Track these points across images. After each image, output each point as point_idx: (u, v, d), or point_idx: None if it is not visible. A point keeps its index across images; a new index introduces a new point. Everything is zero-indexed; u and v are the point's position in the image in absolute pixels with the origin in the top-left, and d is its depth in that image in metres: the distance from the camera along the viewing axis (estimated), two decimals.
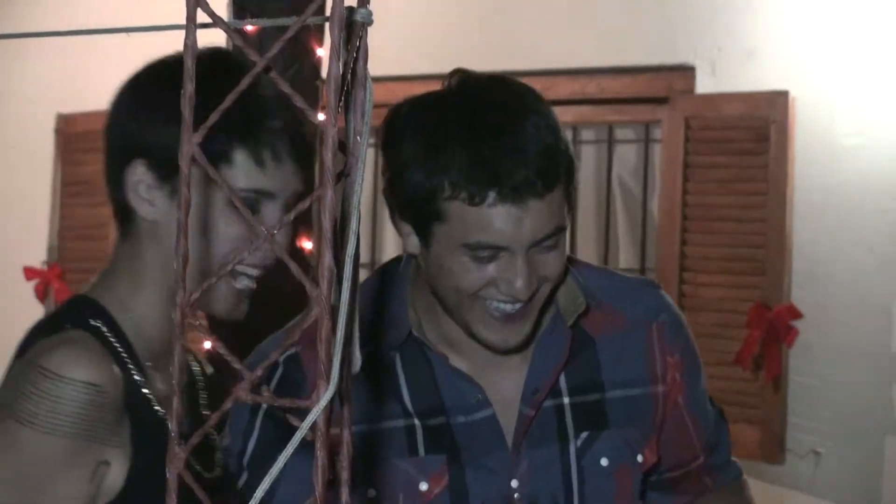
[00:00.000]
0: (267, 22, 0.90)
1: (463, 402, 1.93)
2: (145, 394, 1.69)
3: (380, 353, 1.93)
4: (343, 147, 0.81)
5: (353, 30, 0.82)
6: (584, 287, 1.98)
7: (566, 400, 1.95)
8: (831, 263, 4.90)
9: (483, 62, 5.48)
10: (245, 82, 0.77)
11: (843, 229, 4.89)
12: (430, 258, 1.86)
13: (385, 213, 6.44)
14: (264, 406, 1.94)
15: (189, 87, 0.74)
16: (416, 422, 1.93)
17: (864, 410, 4.73)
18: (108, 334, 1.69)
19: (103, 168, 1.80)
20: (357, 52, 0.82)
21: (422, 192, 1.81)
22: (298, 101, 0.75)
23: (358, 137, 0.82)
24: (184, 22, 0.75)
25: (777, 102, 4.95)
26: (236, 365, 0.78)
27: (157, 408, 1.70)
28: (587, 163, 5.63)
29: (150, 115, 1.74)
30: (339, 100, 0.74)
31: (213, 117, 0.76)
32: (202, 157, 0.75)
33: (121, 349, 1.69)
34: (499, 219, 1.78)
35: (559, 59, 5.37)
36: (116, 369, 1.65)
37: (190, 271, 1.60)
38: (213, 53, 1.77)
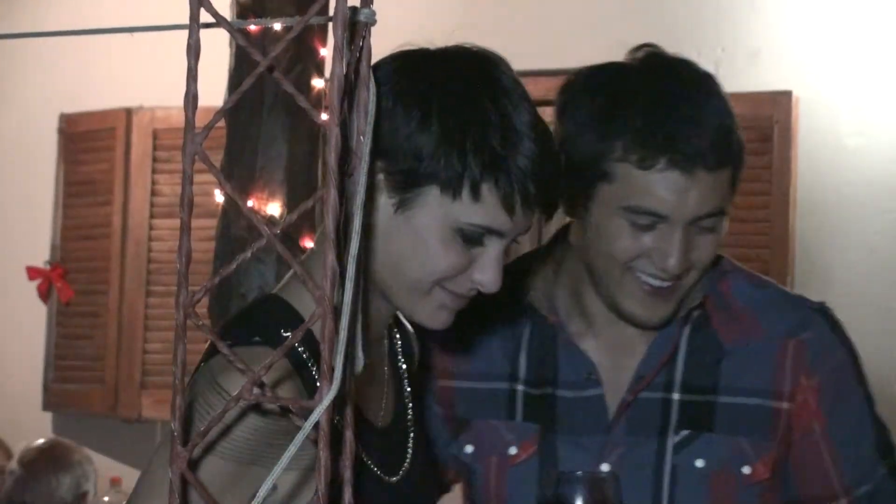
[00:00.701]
0: (270, 22, 0.90)
1: (575, 377, 1.95)
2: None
3: (510, 317, 1.98)
4: (347, 146, 0.81)
5: (356, 30, 0.82)
6: (718, 288, 1.96)
7: (676, 395, 1.93)
8: (834, 264, 4.90)
9: None
10: (248, 82, 0.77)
11: (847, 230, 4.88)
12: (588, 222, 1.87)
13: None
14: None
15: (193, 87, 0.74)
16: (520, 387, 1.97)
17: None
18: (301, 347, 1.56)
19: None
20: (360, 52, 0.82)
21: (593, 152, 1.82)
22: (302, 102, 0.75)
23: (361, 137, 0.82)
24: (187, 22, 0.75)
25: (780, 103, 4.94)
26: (239, 366, 0.78)
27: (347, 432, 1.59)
28: None
29: (405, 116, 1.58)
30: (343, 99, 0.74)
31: (216, 117, 0.76)
32: (205, 157, 0.75)
33: (312, 364, 1.56)
34: (665, 185, 1.79)
35: (562, 61, 5.36)
36: (299, 389, 1.51)
37: (398, 280, 1.56)
38: (476, 55, 1.68)
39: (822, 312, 2.01)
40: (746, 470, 1.92)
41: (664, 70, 1.88)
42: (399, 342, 1.86)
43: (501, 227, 1.60)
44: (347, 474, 0.79)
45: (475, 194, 1.56)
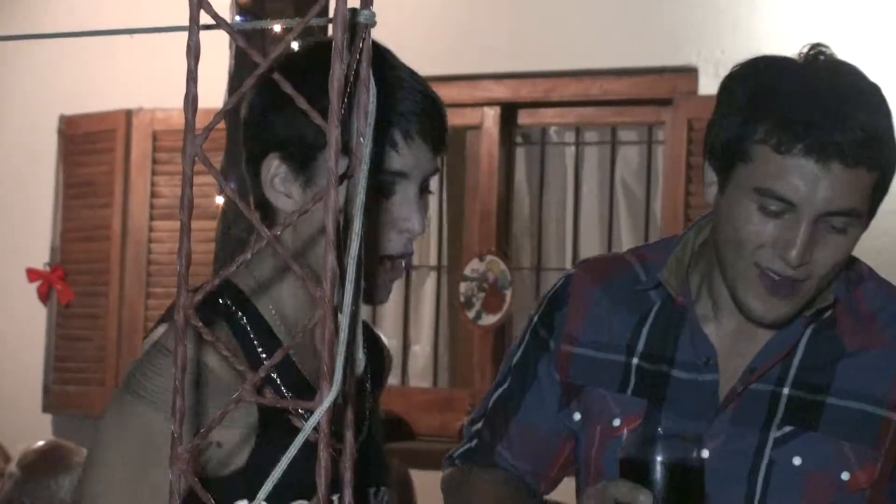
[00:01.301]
0: (270, 23, 0.90)
1: (694, 359, 1.96)
2: (274, 379, 1.71)
3: (641, 292, 2.01)
4: (346, 149, 0.81)
5: (356, 31, 0.82)
6: (851, 293, 1.95)
7: (786, 390, 1.92)
8: None
9: (486, 64, 5.50)
10: (249, 82, 0.77)
11: None
12: (722, 204, 1.88)
13: None
14: (533, 323, 2.10)
15: (192, 89, 0.74)
16: (635, 361, 1.99)
17: None
18: (242, 318, 1.72)
19: (244, 167, 1.81)
20: (360, 54, 0.82)
21: (737, 134, 1.84)
22: (302, 103, 0.75)
23: (361, 139, 0.82)
24: (187, 23, 0.75)
25: None
26: (238, 366, 0.78)
27: (287, 393, 1.72)
28: (590, 164, 5.63)
29: (280, 109, 1.73)
30: (342, 101, 0.74)
31: (217, 119, 0.76)
32: (205, 159, 0.75)
33: (252, 335, 1.72)
34: (798, 172, 1.80)
35: (562, 61, 5.37)
36: (239, 355, 1.67)
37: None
38: (318, 45, 1.80)
39: None
40: (845, 476, 1.90)
41: (824, 66, 1.89)
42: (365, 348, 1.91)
43: (397, 167, 1.71)
44: (348, 475, 0.79)
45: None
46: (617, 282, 2.04)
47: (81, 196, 6.17)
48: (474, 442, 2.12)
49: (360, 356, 0.84)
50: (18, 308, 6.29)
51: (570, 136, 5.70)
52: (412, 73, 1.79)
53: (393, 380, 5.87)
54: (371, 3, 0.81)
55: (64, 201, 6.23)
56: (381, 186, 1.70)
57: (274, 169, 1.73)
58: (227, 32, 0.77)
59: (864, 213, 1.86)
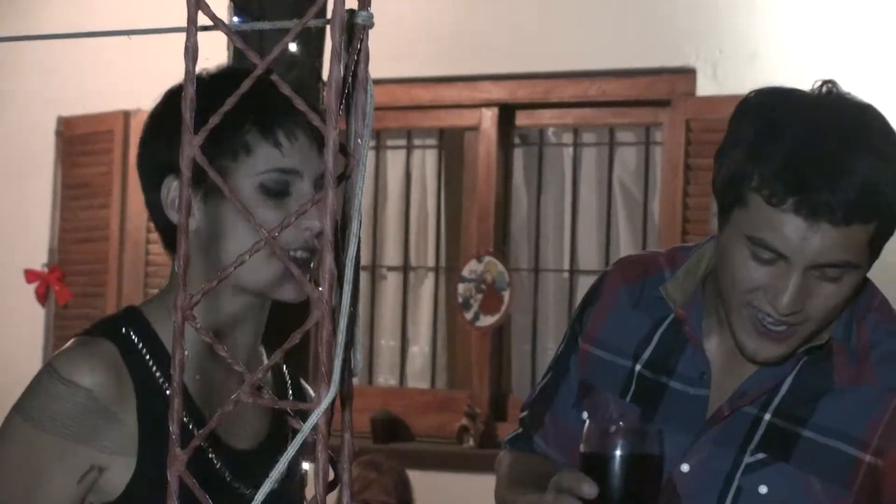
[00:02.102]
0: (268, 25, 0.90)
1: (691, 373, 1.97)
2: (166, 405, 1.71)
3: (659, 302, 2.02)
4: (344, 150, 0.81)
5: (353, 32, 0.82)
6: (853, 324, 1.93)
7: (767, 416, 1.92)
8: None
9: (484, 65, 5.50)
10: (246, 84, 0.77)
11: None
12: (721, 241, 1.89)
13: (385, 216, 6.41)
14: (573, 318, 2.13)
15: (190, 90, 0.74)
16: (639, 368, 2.02)
17: None
18: (139, 344, 1.75)
19: (144, 197, 1.85)
20: (358, 55, 0.82)
21: (737, 173, 1.84)
22: (300, 104, 0.75)
23: (359, 140, 0.82)
24: (184, 24, 0.75)
25: None
26: (237, 367, 0.78)
27: (185, 419, 1.73)
28: (588, 165, 5.63)
29: (172, 132, 1.77)
30: (340, 103, 0.75)
31: (214, 120, 0.76)
32: (203, 160, 0.75)
33: (150, 360, 1.74)
34: (788, 226, 1.79)
35: (560, 62, 5.37)
36: (127, 379, 1.71)
37: (243, 267, 1.65)
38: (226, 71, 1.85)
39: None
40: None
41: (827, 107, 1.87)
42: (288, 373, 1.97)
43: (287, 165, 1.74)
44: (346, 477, 0.79)
45: (246, 149, 1.74)
46: (643, 284, 2.06)
47: (79, 197, 6.16)
48: (520, 430, 2.17)
49: (359, 357, 0.84)
50: (16, 309, 6.28)
51: (568, 138, 5.70)
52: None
53: (391, 380, 5.87)
54: (369, 5, 0.81)
55: (62, 202, 6.23)
56: (275, 185, 1.74)
57: (173, 190, 1.77)
58: (225, 33, 0.77)
59: (861, 263, 1.85)
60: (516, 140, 5.74)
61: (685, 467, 1.92)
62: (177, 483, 0.75)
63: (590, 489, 1.75)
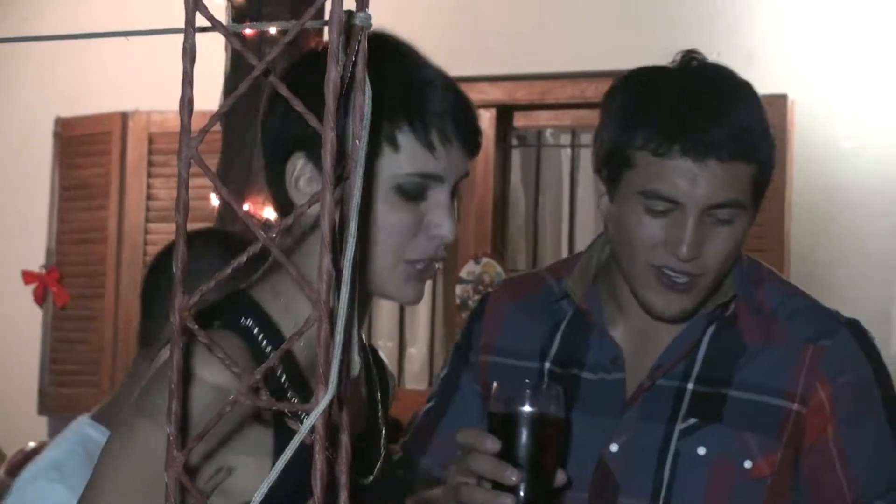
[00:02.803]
0: (266, 25, 0.90)
1: (601, 361, 2.03)
2: (292, 400, 1.62)
3: (553, 302, 2.09)
4: (342, 151, 0.81)
5: (351, 33, 0.82)
6: (752, 291, 2.01)
7: (690, 385, 1.99)
8: (830, 267, 4.90)
9: (482, 66, 5.50)
10: (244, 86, 0.77)
11: (842, 233, 4.89)
12: (613, 212, 1.96)
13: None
14: (458, 340, 2.20)
15: (188, 91, 0.74)
16: (548, 366, 2.06)
17: None
18: (260, 336, 1.63)
19: (263, 166, 1.72)
20: (356, 56, 0.82)
21: (618, 142, 1.92)
22: (298, 106, 0.75)
23: (357, 141, 0.82)
24: (182, 26, 0.75)
25: (776, 106, 4.94)
26: (234, 369, 0.78)
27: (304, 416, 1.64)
28: (586, 166, 5.63)
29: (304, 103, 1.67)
30: (338, 103, 0.74)
31: (213, 122, 0.76)
32: (201, 161, 0.75)
33: (269, 351, 1.61)
34: (678, 172, 1.87)
35: (558, 63, 5.37)
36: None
37: (364, 263, 1.60)
38: (375, 37, 1.70)
39: (852, 326, 2.03)
40: (747, 464, 1.95)
41: (695, 71, 1.98)
42: (374, 372, 1.92)
43: (433, 170, 1.63)
44: (343, 478, 0.79)
45: (393, 144, 1.62)
46: (532, 297, 2.13)
47: (77, 198, 6.16)
48: (402, 454, 2.18)
49: (356, 358, 0.84)
50: (14, 310, 6.28)
51: (565, 139, 5.70)
52: (442, 72, 1.74)
53: None
54: (367, 6, 0.81)
55: (60, 203, 6.23)
56: (413, 189, 1.63)
57: (299, 169, 1.64)
58: (223, 35, 0.77)
59: (747, 204, 1.92)
60: (514, 141, 5.74)
61: (614, 447, 1.98)
62: (174, 485, 0.75)
63: (492, 444, 1.77)
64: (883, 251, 4.80)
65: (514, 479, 1.76)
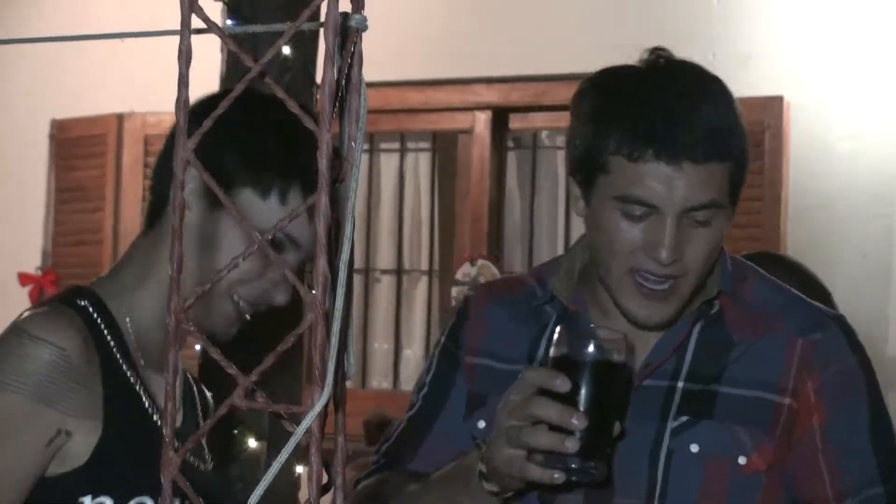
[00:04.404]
0: (261, 28, 0.90)
1: None
2: (126, 375, 1.73)
3: (539, 305, 2.05)
4: (337, 153, 0.81)
5: (347, 35, 0.82)
6: (736, 289, 1.99)
7: (680, 384, 1.96)
8: (826, 268, 4.90)
9: (478, 68, 5.50)
10: (239, 88, 0.77)
11: (838, 235, 4.89)
12: (590, 217, 1.93)
13: (379, 219, 6.40)
14: (442, 342, 2.12)
15: (184, 93, 0.74)
16: None
17: None
18: (96, 316, 1.74)
19: (159, 159, 1.82)
20: (351, 58, 0.82)
21: (591, 147, 1.90)
22: (293, 107, 0.75)
23: (352, 143, 0.82)
24: (178, 27, 0.75)
25: (772, 107, 4.95)
26: (231, 370, 0.78)
27: (139, 390, 1.74)
28: None
29: (218, 130, 1.74)
30: (334, 105, 0.75)
31: (207, 123, 0.76)
32: (197, 163, 0.75)
33: (107, 333, 1.73)
34: (653, 176, 1.85)
35: (553, 65, 5.37)
36: (91, 344, 1.69)
37: (187, 281, 1.64)
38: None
39: (838, 320, 2.03)
40: (742, 460, 1.94)
41: (664, 70, 1.93)
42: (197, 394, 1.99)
43: (300, 236, 1.72)
44: (339, 480, 0.79)
45: (283, 198, 1.72)
46: (514, 300, 2.09)
47: (73, 200, 6.16)
48: (382, 461, 2.12)
49: (352, 360, 0.84)
50: (10, 313, 6.26)
51: (561, 140, 5.69)
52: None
53: (385, 384, 5.87)
54: (362, 8, 0.81)
55: (56, 205, 6.22)
56: (273, 241, 1.71)
57: (191, 177, 1.72)
58: (219, 36, 0.77)
59: (725, 203, 1.89)
60: (510, 143, 5.74)
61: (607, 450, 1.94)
62: (170, 486, 0.75)
63: (563, 383, 1.75)
64: (879, 252, 4.80)
65: (579, 423, 1.74)
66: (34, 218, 6.26)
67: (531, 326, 2.06)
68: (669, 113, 1.86)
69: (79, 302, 1.75)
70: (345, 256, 0.79)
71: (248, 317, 1.77)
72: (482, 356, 2.08)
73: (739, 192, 1.93)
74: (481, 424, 2.02)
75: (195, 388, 1.97)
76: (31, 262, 6.22)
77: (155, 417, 1.77)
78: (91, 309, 1.74)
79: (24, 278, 6.16)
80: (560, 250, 5.63)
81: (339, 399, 0.81)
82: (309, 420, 0.73)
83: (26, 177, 6.29)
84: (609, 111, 1.90)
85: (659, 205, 1.85)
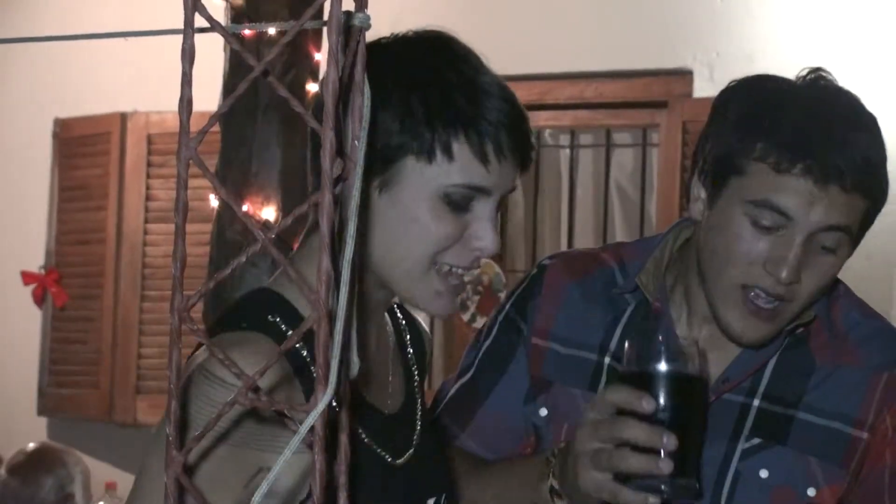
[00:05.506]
0: (265, 26, 0.90)
1: None
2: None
3: (616, 293, 1.98)
4: (341, 152, 0.81)
5: (350, 34, 0.82)
6: (828, 310, 1.93)
7: (756, 402, 1.90)
8: None
9: None
10: (243, 86, 0.77)
11: None
12: (711, 219, 1.86)
13: None
14: (506, 310, 2.05)
15: (187, 92, 0.74)
16: (608, 361, 1.95)
17: None
18: (289, 332, 1.58)
19: (310, 166, 1.70)
20: (355, 57, 0.82)
21: (732, 149, 1.83)
22: (296, 106, 0.75)
23: (356, 142, 0.82)
24: (181, 26, 0.75)
25: None
26: (234, 369, 0.78)
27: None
28: (585, 167, 5.63)
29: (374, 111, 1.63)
30: (337, 104, 0.74)
31: (211, 122, 0.76)
32: (199, 162, 0.75)
33: (302, 347, 1.58)
34: (795, 189, 1.78)
35: (557, 63, 5.37)
36: (288, 372, 1.54)
37: (395, 264, 1.57)
38: (436, 38, 1.76)
39: None
40: (811, 492, 1.87)
41: (823, 91, 1.90)
42: (407, 333, 1.86)
43: (483, 183, 1.61)
44: (342, 479, 0.79)
45: (448, 154, 1.60)
46: (593, 280, 2.01)
47: (76, 199, 6.16)
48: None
49: (355, 359, 0.84)
50: (13, 311, 6.28)
51: (564, 139, 5.70)
52: (500, 81, 1.71)
53: None
54: (366, 6, 0.81)
55: (59, 204, 6.22)
56: (460, 200, 1.61)
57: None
58: (222, 35, 0.77)
59: (854, 236, 1.85)
60: None
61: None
62: (174, 485, 0.75)
63: (648, 404, 1.68)
64: (882, 251, 4.80)
65: (670, 444, 1.66)
66: (37, 217, 6.26)
67: (606, 312, 1.99)
68: (828, 132, 1.80)
69: (270, 318, 1.59)
70: (348, 255, 0.79)
71: (466, 279, 1.66)
72: (553, 340, 2.00)
73: (864, 234, 1.89)
74: (543, 412, 1.97)
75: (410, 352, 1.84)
76: (35, 260, 6.22)
77: (363, 436, 1.66)
78: (283, 325, 1.58)
79: (27, 277, 6.16)
80: (564, 248, 5.63)
81: (342, 398, 0.81)
82: (312, 418, 0.73)
83: (29, 175, 6.29)
84: (760, 117, 1.83)
85: (794, 217, 1.79)
